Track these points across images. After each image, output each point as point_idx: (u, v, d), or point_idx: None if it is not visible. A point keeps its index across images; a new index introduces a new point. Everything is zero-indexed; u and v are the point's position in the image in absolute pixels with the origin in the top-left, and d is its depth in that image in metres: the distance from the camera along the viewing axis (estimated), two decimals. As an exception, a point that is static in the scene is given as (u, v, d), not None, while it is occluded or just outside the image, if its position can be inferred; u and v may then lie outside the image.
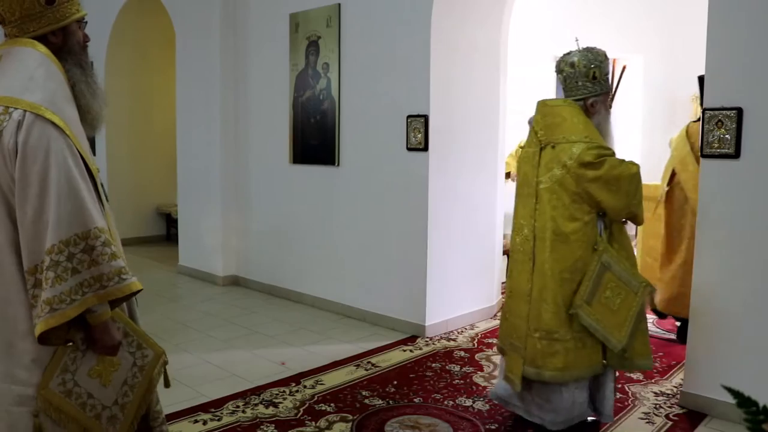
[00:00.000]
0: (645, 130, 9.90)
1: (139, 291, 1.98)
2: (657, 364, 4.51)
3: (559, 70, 3.44)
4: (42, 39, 2.02)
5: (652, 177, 8.72)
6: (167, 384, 2.28)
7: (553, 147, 3.26)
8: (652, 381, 4.22)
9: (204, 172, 7.11)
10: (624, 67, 4.00)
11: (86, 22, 2.17)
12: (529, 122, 3.49)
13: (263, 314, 5.84)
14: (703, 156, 3.67)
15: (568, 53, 3.42)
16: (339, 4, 5.64)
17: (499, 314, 5.74)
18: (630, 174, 3.20)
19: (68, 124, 1.93)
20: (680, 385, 3.96)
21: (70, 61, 2.07)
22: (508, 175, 6.50)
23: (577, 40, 3.48)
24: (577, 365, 3.21)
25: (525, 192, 3.36)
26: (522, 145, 3.84)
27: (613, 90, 3.89)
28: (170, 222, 9.46)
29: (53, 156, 1.85)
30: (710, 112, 3.61)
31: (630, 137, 10.12)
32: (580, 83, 3.36)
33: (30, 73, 1.94)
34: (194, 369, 4.35)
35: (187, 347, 4.82)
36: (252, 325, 5.49)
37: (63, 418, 1.94)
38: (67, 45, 2.08)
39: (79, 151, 1.94)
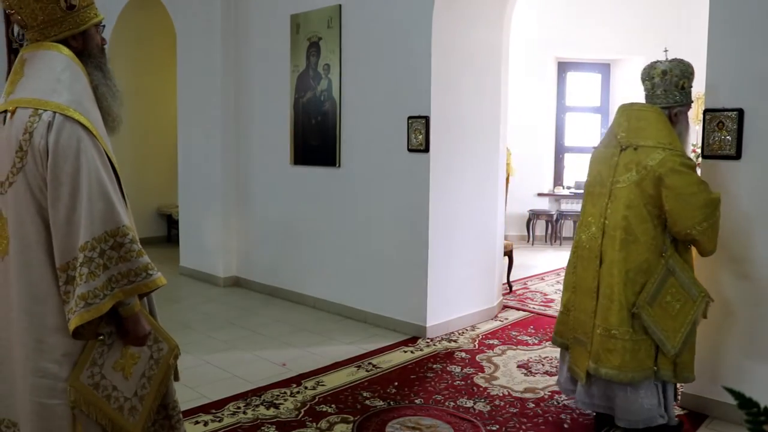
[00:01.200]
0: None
1: (163, 286, 2.06)
2: (658, 366, 4.51)
3: (648, 78, 3.46)
4: (63, 43, 2.07)
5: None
6: (176, 377, 2.35)
7: (635, 149, 3.27)
8: (653, 382, 4.22)
9: (205, 173, 7.12)
10: None
11: (104, 26, 2.22)
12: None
13: (264, 315, 5.84)
14: (704, 157, 3.67)
15: (658, 62, 3.46)
16: (340, 5, 5.64)
17: (501, 315, 5.77)
18: (707, 198, 3.21)
19: (94, 124, 2.00)
20: (681, 386, 3.96)
21: (90, 65, 2.13)
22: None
23: (666, 51, 3.58)
24: (631, 366, 3.22)
25: (597, 191, 3.40)
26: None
27: None
28: (171, 223, 9.46)
29: (83, 156, 1.92)
30: (711, 113, 3.61)
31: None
32: (668, 92, 3.40)
33: (56, 75, 2.00)
34: (195, 370, 4.35)
35: (188, 348, 4.81)
36: (253, 326, 5.49)
37: (92, 410, 2.01)
38: (87, 49, 2.13)
39: (105, 151, 2.01)
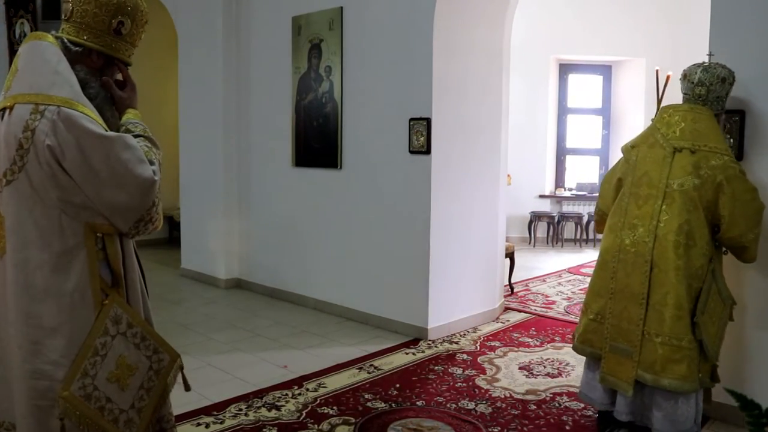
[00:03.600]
0: (647, 133, 9.87)
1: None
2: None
3: (706, 83, 3.33)
4: (86, 53, 2.09)
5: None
6: (187, 387, 2.32)
7: (692, 152, 3.21)
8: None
9: (206, 175, 7.12)
10: (668, 77, 3.97)
11: (129, 64, 2.24)
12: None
13: (265, 317, 5.84)
14: (706, 159, 3.66)
15: (717, 66, 3.35)
16: (341, 7, 5.65)
17: (502, 317, 5.76)
18: (761, 205, 3.21)
19: (97, 116, 1.99)
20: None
21: (95, 82, 2.12)
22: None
23: (709, 55, 3.53)
24: (694, 377, 3.14)
25: (645, 192, 3.28)
26: None
27: (658, 99, 3.95)
28: (173, 225, 9.47)
29: (103, 136, 1.94)
30: (713, 114, 3.60)
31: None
32: (720, 99, 3.36)
33: (53, 67, 1.98)
34: (197, 372, 4.35)
35: (189, 350, 4.82)
36: (254, 328, 5.49)
37: (83, 421, 1.96)
38: (100, 70, 2.14)
39: None
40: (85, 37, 2.06)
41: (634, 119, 9.99)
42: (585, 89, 10.56)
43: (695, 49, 8.80)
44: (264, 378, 4.31)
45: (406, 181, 5.23)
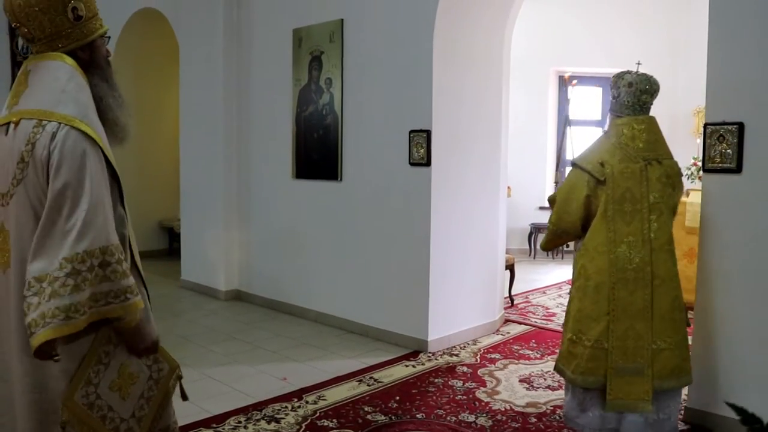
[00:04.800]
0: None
1: (139, 309, 1.99)
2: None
3: (650, 91, 3.46)
4: (71, 54, 2.07)
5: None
6: (184, 397, 2.31)
7: (660, 162, 3.33)
8: (656, 397, 4.19)
9: (207, 186, 7.13)
10: (567, 78, 3.98)
11: (109, 37, 2.22)
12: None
13: (265, 329, 5.83)
14: (705, 171, 3.68)
15: (649, 76, 3.48)
16: (342, 20, 5.67)
17: (502, 329, 5.75)
18: None
19: (99, 135, 1.98)
20: (684, 400, 3.94)
21: (97, 76, 2.12)
22: None
23: (638, 64, 3.66)
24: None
25: (629, 209, 3.27)
26: None
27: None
28: (173, 236, 9.46)
29: (87, 169, 1.90)
30: (712, 126, 3.62)
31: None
32: (652, 105, 3.52)
33: (62, 86, 1.99)
34: (196, 384, 4.33)
35: (188, 362, 4.80)
36: (254, 340, 5.47)
37: (85, 429, 1.97)
38: (94, 60, 2.13)
39: (109, 162, 2.00)
40: (60, 45, 2.06)
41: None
42: (585, 101, 10.57)
43: (693, 60, 8.85)
44: (263, 390, 4.30)
45: (407, 193, 5.24)
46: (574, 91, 9.10)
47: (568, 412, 3.54)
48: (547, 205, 10.22)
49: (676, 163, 3.43)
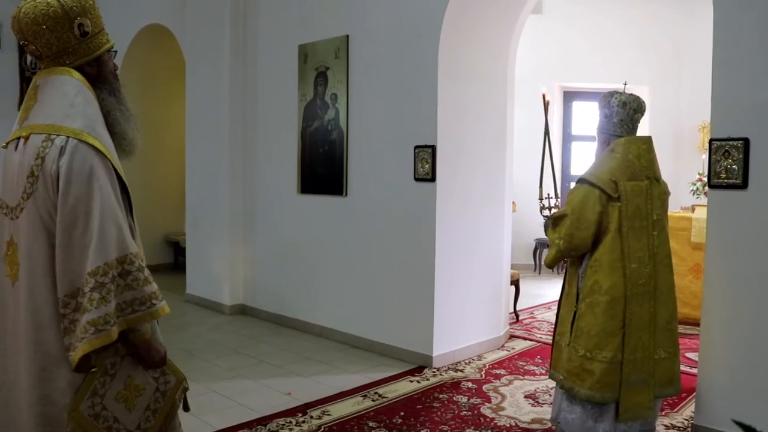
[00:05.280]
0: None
1: (166, 314, 2.04)
2: (667, 396, 4.47)
3: (640, 110, 3.55)
4: (78, 70, 2.10)
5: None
6: (186, 408, 2.31)
7: (657, 181, 3.44)
8: (662, 413, 4.17)
9: (212, 201, 7.15)
10: (544, 96, 4.02)
11: (115, 52, 2.25)
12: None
13: (270, 343, 5.82)
14: (711, 186, 3.67)
15: (637, 96, 3.55)
16: (347, 36, 5.71)
17: (507, 345, 5.72)
18: None
19: (107, 148, 2.01)
20: (692, 417, 3.92)
21: (104, 90, 2.15)
22: None
23: (625, 84, 3.70)
24: None
25: (638, 225, 3.33)
26: None
27: (546, 123, 4.01)
28: (178, 250, 9.49)
29: (96, 181, 1.93)
30: (717, 142, 3.62)
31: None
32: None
33: (70, 100, 2.02)
34: (200, 398, 4.33)
35: (193, 376, 4.79)
36: (258, 355, 5.46)
37: None
38: (101, 74, 2.16)
39: (118, 174, 2.03)
40: (67, 61, 2.08)
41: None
42: (590, 116, 10.59)
43: (698, 76, 8.86)
44: (268, 405, 4.29)
45: (412, 209, 5.24)
46: (552, 110, 9.21)
47: (577, 427, 3.47)
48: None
49: (666, 183, 3.56)
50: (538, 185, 3.94)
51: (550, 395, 4.52)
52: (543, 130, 3.93)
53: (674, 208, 7.85)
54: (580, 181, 3.45)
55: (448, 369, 5.09)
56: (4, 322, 2.07)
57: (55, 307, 1.95)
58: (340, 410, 4.22)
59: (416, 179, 5.19)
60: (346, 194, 5.80)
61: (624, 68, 9.73)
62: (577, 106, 10.48)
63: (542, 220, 3.77)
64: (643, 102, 3.55)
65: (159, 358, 2.10)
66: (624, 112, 3.47)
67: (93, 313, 1.88)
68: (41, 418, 1.97)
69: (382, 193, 5.48)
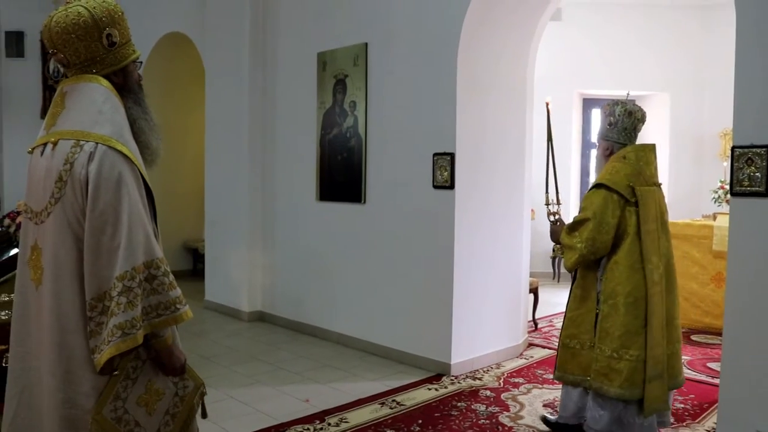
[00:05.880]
0: (671, 167, 9.84)
1: (189, 319, 2.07)
2: (688, 406, 4.42)
3: (645, 121, 3.75)
4: (105, 78, 2.13)
5: (679, 214, 8.65)
6: (204, 415, 2.32)
7: (658, 186, 3.66)
8: (684, 424, 4.13)
9: (231, 208, 7.18)
10: (547, 104, 4.11)
11: (141, 62, 2.29)
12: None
13: (288, 350, 5.83)
14: (733, 194, 3.63)
15: (640, 106, 3.74)
16: (366, 44, 5.72)
17: (526, 353, 5.69)
18: None
19: (134, 155, 2.04)
20: (713, 428, 3.87)
21: (130, 99, 2.18)
22: None
23: (628, 94, 3.84)
24: None
25: (653, 228, 3.51)
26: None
27: (549, 130, 4.09)
28: (197, 257, 9.54)
29: (124, 187, 1.96)
30: (740, 149, 3.57)
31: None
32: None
33: (98, 107, 2.06)
34: (219, 404, 4.34)
35: (211, 382, 4.81)
36: (277, 361, 5.47)
37: None
38: (127, 84, 2.19)
39: (144, 181, 2.07)
40: (94, 70, 2.12)
41: (659, 154, 9.90)
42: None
43: (719, 82, 8.79)
44: (286, 412, 4.29)
45: (430, 216, 5.23)
46: (571, 117, 9.28)
47: (606, 425, 3.55)
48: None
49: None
50: (544, 191, 3.98)
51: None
52: (546, 137, 4.03)
53: (695, 216, 7.79)
54: (598, 186, 3.53)
55: (467, 377, 5.07)
56: (28, 325, 2.10)
57: (81, 312, 1.97)
58: (357, 417, 4.21)
59: (435, 186, 5.18)
60: (365, 201, 5.80)
61: (644, 75, 9.70)
62: (596, 113, 10.42)
63: (549, 226, 3.95)
64: (645, 112, 3.73)
65: (180, 365, 2.12)
66: (629, 121, 3.65)
67: (120, 317, 1.90)
68: (65, 421, 1.99)
69: (401, 200, 5.48)
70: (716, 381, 4.82)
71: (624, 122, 3.63)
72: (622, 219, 3.46)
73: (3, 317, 2.99)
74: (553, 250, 3.91)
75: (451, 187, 5.07)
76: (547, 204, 3.91)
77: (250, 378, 5.04)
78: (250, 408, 4.38)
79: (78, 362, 1.98)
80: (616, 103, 3.69)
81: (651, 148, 3.65)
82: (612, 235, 3.46)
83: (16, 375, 2.14)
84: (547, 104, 3.90)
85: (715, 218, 6.74)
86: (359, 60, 5.79)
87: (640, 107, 3.70)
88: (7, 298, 3.01)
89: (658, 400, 3.46)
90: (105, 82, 2.10)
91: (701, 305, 6.52)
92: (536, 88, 6.04)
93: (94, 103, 2.06)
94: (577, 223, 3.56)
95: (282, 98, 6.76)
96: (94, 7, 2.07)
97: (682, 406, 4.43)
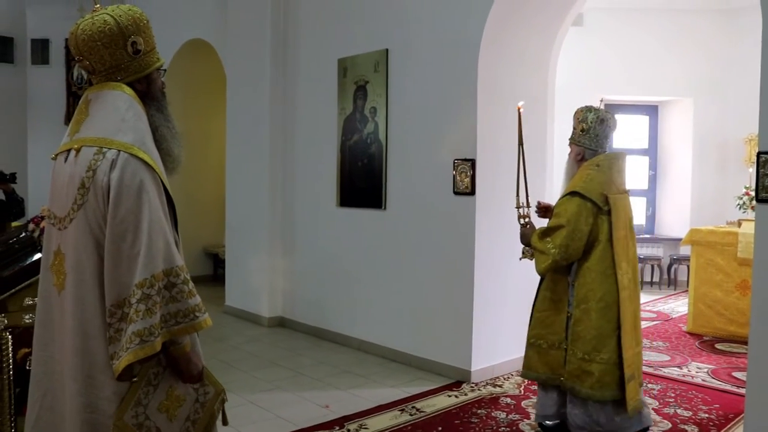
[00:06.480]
0: (695, 173, 9.74)
1: (208, 327, 2.08)
2: (713, 416, 4.35)
3: (616, 128, 3.89)
4: (129, 85, 2.15)
5: (703, 220, 8.55)
6: (225, 422, 2.32)
7: (627, 193, 3.78)
8: (708, 434, 4.07)
9: (252, 214, 7.21)
10: (519, 109, 4.11)
11: (165, 70, 2.31)
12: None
13: (308, 356, 5.83)
14: (759, 200, 3.57)
15: (612, 114, 3.88)
16: (387, 50, 5.73)
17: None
18: None
19: (156, 162, 2.06)
20: None
21: (152, 107, 2.20)
22: None
23: (601, 101, 3.83)
24: None
25: (623, 234, 3.65)
26: None
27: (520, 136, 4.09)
28: (217, 262, 9.59)
29: (145, 194, 1.97)
30: (765, 155, 3.52)
31: (681, 180, 9.96)
32: None
33: (121, 114, 2.07)
34: (239, 410, 4.35)
35: (231, 387, 4.82)
36: (297, 367, 5.48)
37: None
38: (150, 92, 2.21)
39: (165, 189, 2.08)
40: (119, 77, 2.14)
41: (682, 160, 9.84)
42: (631, 129, 10.45)
43: (744, 88, 8.69)
44: (305, 417, 4.29)
45: (451, 222, 5.22)
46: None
47: (581, 422, 3.67)
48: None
49: None
50: (515, 195, 3.98)
51: (591, 413, 4.44)
52: (517, 141, 4.01)
53: (719, 223, 7.69)
54: (572, 193, 3.66)
55: (487, 384, 5.04)
56: (51, 330, 2.11)
57: (103, 317, 1.99)
58: (377, 424, 4.20)
59: (455, 193, 5.16)
60: (385, 207, 5.80)
61: (666, 80, 9.61)
62: (617, 119, 10.33)
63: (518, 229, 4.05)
64: (617, 120, 3.89)
65: (197, 372, 2.12)
66: (601, 129, 3.76)
67: (139, 324, 1.91)
68: (87, 425, 2.00)
69: (421, 206, 5.46)
70: (742, 391, 4.75)
71: (596, 129, 3.75)
72: (594, 226, 3.58)
73: (27, 321, 3.02)
74: (523, 253, 3.99)
75: (472, 193, 5.05)
76: (518, 207, 3.97)
77: (270, 383, 5.04)
78: (270, 413, 4.38)
79: (100, 367, 1.99)
80: (589, 109, 3.80)
81: (622, 157, 3.80)
82: (584, 241, 3.58)
83: (38, 379, 2.15)
84: (519, 109, 3.96)
85: (740, 225, 6.64)
86: (380, 66, 5.80)
87: (612, 115, 3.82)
88: (30, 302, 3.03)
89: (636, 398, 3.62)
90: (128, 90, 2.12)
91: (726, 313, 6.43)
92: (558, 93, 6.00)
93: (117, 111, 2.08)
94: (551, 229, 3.68)
95: (303, 104, 6.78)
96: (120, 15, 2.09)
97: (707, 416, 4.37)
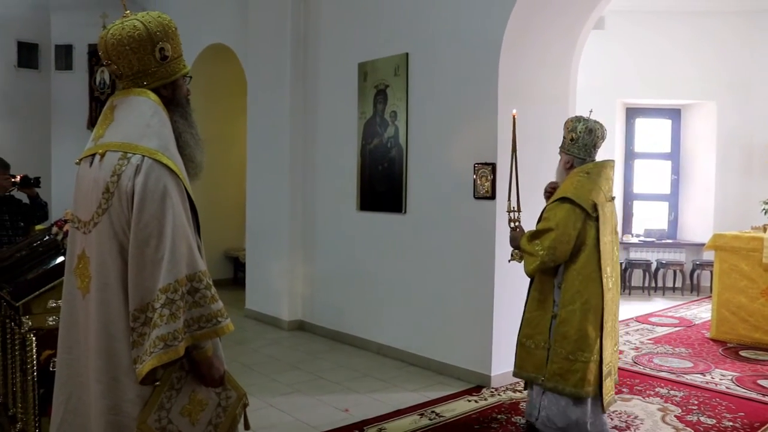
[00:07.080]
0: (718, 177, 9.63)
1: (230, 332, 2.10)
2: (738, 425, 4.29)
3: (604, 138, 3.95)
4: (154, 91, 2.17)
5: (726, 225, 8.45)
6: (247, 426, 2.34)
7: (613, 199, 3.89)
8: (733, 442, 4.01)
9: (272, 217, 7.24)
10: (514, 116, 4.19)
11: (191, 77, 2.33)
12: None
13: (328, 360, 5.84)
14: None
15: (601, 123, 3.93)
16: (407, 54, 5.73)
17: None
18: None
19: (179, 168, 2.08)
20: None
21: (177, 113, 2.23)
22: None
23: (590, 112, 3.97)
24: None
25: (609, 240, 3.77)
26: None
27: (514, 142, 4.18)
28: (238, 266, 9.64)
29: (168, 200, 1.99)
30: (791, 160, 3.48)
31: (704, 184, 9.85)
32: None
33: (146, 120, 2.10)
34: (258, 413, 4.36)
35: (251, 390, 4.80)
36: (316, 371, 5.49)
37: None
38: (175, 98, 2.24)
39: (188, 194, 2.10)
40: (145, 83, 2.16)
41: (706, 164, 9.73)
42: (653, 133, 10.36)
43: (766, 91, 8.57)
44: (325, 421, 4.29)
45: (471, 227, 5.20)
46: (614, 128, 9.18)
47: (560, 420, 3.73)
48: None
49: None
50: (507, 199, 4.10)
51: (611, 419, 4.40)
52: (511, 148, 4.15)
53: (744, 228, 7.59)
54: (563, 199, 3.76)
55: (507, 389, 5.01)
56: (75, 333, 2.13)
57: (127, 320, 2.01)
58: (397, 428, 4.19)
59: (476, 197, 5.15)
60: (405, 212, 5.80)
61: (688, 84, 9.53)
62: (639, 123, 10.26)
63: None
64: (606, 130, 3.94)
65: (219, 376, 2.14)
66: (589, 138, 3.87)
67: (162, 329, 1.92)
68: (111, 427, 2.02)
69: (442, 210, 5.45)
70: (767, 399, 4.69)
71: (584, 139, 3.87)
72: (582, 231, 3.67)
73: (51, 323, 3.06)
74: (512, 255, 4.06)
75: (493, 197, 5.03)
76: (509, 211, 4.06)
77: (290, 387, 5.06)
78: (290, 417, 4.39)
79: (124, 370, 2.01)
80: (578, 119, 3.93)
81: (611, 165, 3.88)
82: (572, 245, 3.67)
83: (63, 381, 2.18)
84: (514, 116, 4.08)
85: (765, 230, 6.55)
86: (400, 70, 5.80)
87: (601, 125, 3.89)
88: (54, 304, 3.07)
89: (610, 394, 3.78)
90: (153, 96, 2.14)
91: (750, 320, 6.35)
92: (579, 97, 5.97)
93: (142, 117, 2.10)
94: (540, 232, 3.78)
95: (323, 109, 6.80)
96: (150, 22, 2.12)
97: (731, 424, 4.31)
